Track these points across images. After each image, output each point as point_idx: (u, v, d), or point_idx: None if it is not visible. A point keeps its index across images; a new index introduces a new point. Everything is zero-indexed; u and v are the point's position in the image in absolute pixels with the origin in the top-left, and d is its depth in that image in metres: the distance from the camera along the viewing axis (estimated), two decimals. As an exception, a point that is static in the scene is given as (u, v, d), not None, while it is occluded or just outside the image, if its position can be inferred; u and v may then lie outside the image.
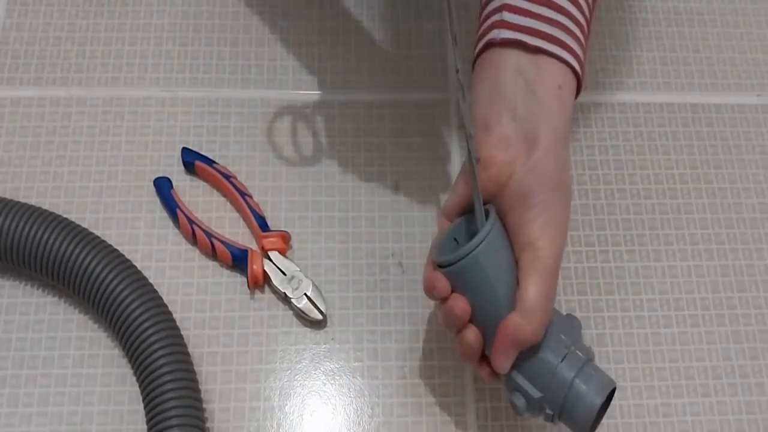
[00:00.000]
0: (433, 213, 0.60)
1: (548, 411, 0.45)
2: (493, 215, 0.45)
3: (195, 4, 0.66)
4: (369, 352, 0.56)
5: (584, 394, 0.44)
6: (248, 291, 0.57)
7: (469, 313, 0.45)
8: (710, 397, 0.56)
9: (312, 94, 0.63)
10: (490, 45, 0.48)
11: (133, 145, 0.61)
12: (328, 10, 0.66)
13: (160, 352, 0.50)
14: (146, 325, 0.51)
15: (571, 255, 0.59)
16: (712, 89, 0.66)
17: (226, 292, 0.57)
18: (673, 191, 0.62)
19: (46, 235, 0.52)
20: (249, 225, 0.58)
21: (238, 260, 0.56)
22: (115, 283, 0.51)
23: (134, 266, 0.54)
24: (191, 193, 0.60)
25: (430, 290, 0.46)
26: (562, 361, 0.45)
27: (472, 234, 0.46)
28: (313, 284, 0.56)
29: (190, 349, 0.53)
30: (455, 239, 0.48)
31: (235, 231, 0.58)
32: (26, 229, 0.52)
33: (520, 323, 0.44)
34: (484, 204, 0.46)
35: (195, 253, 0.58)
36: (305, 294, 0.56)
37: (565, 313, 0.49)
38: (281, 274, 0.56)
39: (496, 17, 0.49)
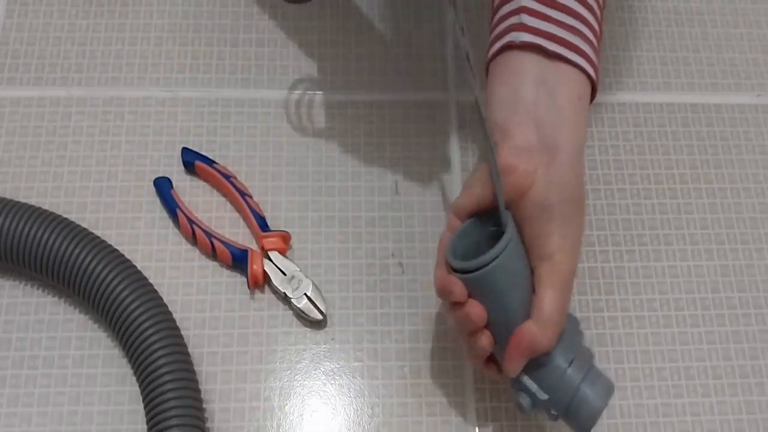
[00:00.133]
0: (433, 213, 0.60)
1: (553, 412, 0.46)
2: (511, 224, 0.45)
3: (195, 4, 0.66)
4: (369, 352, 0.56)
5: (590, 398, 0.45)
6: (248, 291, 0.57)
7: (486, 319, 0.45)
8: (710, 397, 0.56)
9: (312, 94, 0.63)
10: (509, 47, 0.48)
11: (133, 145, 0.61)
12: (328, 10, 0.66)
13: (160, 352, 0.50)
14: (146, 325, 0.51)
15: (571, 255, 0.59)
16: (712, 89, 0.66)
17: (226, 292, 0.57)
18: (673, 191, 0.62)
19: (46, 235, 0.52)
20: (249, 225, 0.58)
21: (238, 260, 0.56)
22: (115, 283, 0.51)
23: (134, 266, 0.54)
24: (191, 193, 0.60)
25: (445, 294, 0.46)
26: (569, 365, 0.46)
27: (485, 237, 0.47)
28: (313, 284, 0.56)
29: (190, 349, 0.53)
30: (466, 241, 0.47)
31: (235, 231, 0.58)
32: (26, 229, 0.52)
33: (536, 333, 0.44)
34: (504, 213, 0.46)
35: (195, 253, 0.58)
36: (305, 294, 0.56)
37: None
38: (281, 274, 0.56)
39: (514, 19, 0.48)
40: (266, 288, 0.57)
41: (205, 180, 0.60)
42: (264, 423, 0.53)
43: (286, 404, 0.54)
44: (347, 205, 0.60)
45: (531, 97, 0.46)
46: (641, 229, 0.61)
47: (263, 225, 0.57)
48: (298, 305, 0.55)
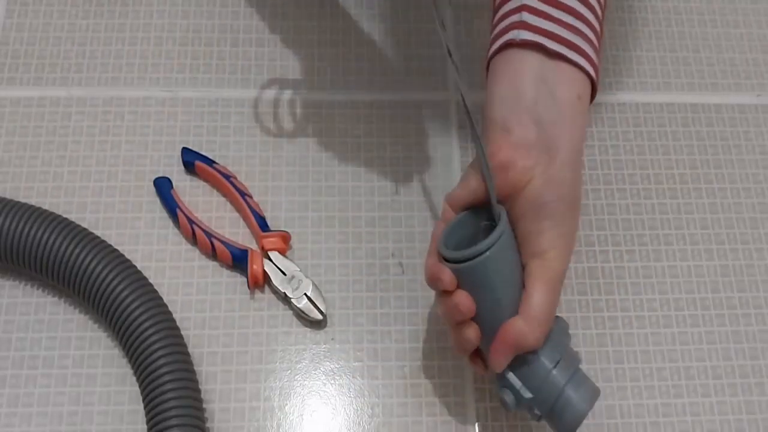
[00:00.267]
0: (433, 213, 0.60)
1: (536, 411, 0.46)
2: (504, 217, 0.45)
3: (195, 4, 0.66)
4: (369, 352, 0.56)
5: (574, 401, 0.45)
6: (248, 291, 0.57)
7: (474, 311, 0.45)
8: (710, 397, 0.56)
9: (312, 94, 0.63)
10: (509, 45, 0.48)
11: (133, 145, 0.61)
12: (328, 10, 0.66)
13: (160, 352, 0.50)
14: (146, 325, 0.51)
15: (571, 255, 0.59)
16: (712, 89, 0.66)
17: (226, 292, 0.57)
18: (673, 191, 0.62)
19: (46, 235, 0.52)
20: (249, 225, 0.58)
21: (238, 260, 0.56)
22: (115, 283, 0.51)
23: (134, 266, 0.54)
24: (191, 193, 0.60)
25: (433, 281, 0.46)
26: (555, 366, 0.46)
27: (478, 230, 0.47)
28: (313, 284, 0.56)
29: (190, 349, 0.53)
30: (459, 233, 0.47)
31: (235, 231, 0.58)
32: (26, 229, 0.52)
33: (524, 329, 0.44)
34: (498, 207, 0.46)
35: (195, 253, 0.58)
36: (305, 294, 0.56)
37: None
38: (281, 274, 0.56)
39: (515, 17, 0.48)
40: (266, 288, 0.57)
41: (205, 180, 0.60)
42: (264, 423, 0.53)
43: (286, 404, 0.54)
44: (347, 205, 0.60)
45: (531, 95, 0.46)
46: (641, 229, 0.61)
47: (263, 225, 0.57)
48: (298, 305, 0.55)
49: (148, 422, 0.49)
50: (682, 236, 0.61)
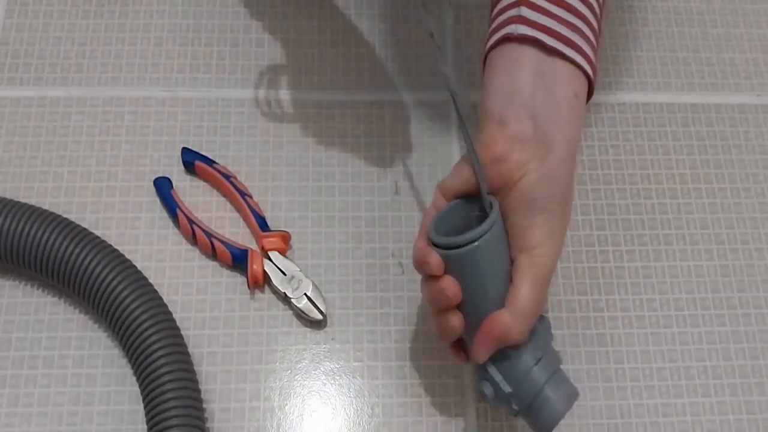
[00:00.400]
0: (433, 213, 0.60)
1: (514, 407, 0.46)
2: (496, 209, 0.45)
3: (195, 4, 0.66)
4: (369, 352, 0.56)
5: (552, 400, 0.45)
6: (248, 291, 0.57)
7: (460, 298, 0.45)
8: (710, 397, 0.56)
9: (312, 94, 0.63)
10: (507, 39, 0.48)
11: (133, 145, 0.61)
12: (327, 10, 0.66)
13: (160, 352, 0.50)
14: (146, 325, 0.51)
15: (571, 255, 0.59)
16: (712, 89, 0.66)
17: (226, 292, 0.57)
18: (673, 191, 0.62)
19: (46, 235, 0.52)
20: (249, 225, 0.58)
21: (238, 260, 0.56)
22: (115, 283, 0.51)
23: (134, 266, 0.54)
24: (191, 193, 0.60)
25: (421, 264, 0.46)
26: (536, 363, 0.46)
27: (468, 220, 0.47)
28: (313, 284, 0.56)
29: (190, 349, 0.53)
30: (450, 221, 0.48)
31: (235, 231, 0.58)
32: (26, 229, 0.52)
33: (508, 322, 0.45)
34: (489, 195, 0.46)
35: (195, 253, 0.58)
36: (305, 294, 0.56)
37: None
38: (281, 274, 0.56)
39: (513, 12, 0.48)
40: (266, 288, 0.57)
41: (205, 180, 0.60)
42: (264, 423, 0.53)
43: (286, 404, 0.54)
44: (347, 205, 0.60)
45: (528, 90, 0.46)
46: (641, 229, 0.61)
47: (263, 225, 0.57)
48: (298, 305, 0.55)
49: (148, 422, 0.49)
50: (682, 236, 0.61)
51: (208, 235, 0.57)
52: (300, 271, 0.56)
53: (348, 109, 0.63)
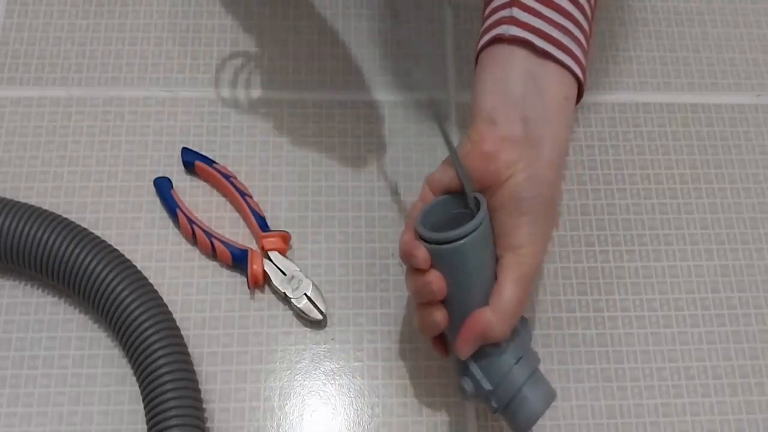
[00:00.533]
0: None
1: (494, 404, 0.47)
2: (484, 207, 0.46)
3: (195, 4, 0.66)
4: (369, 352, 0.56)
5: (530, 399, 0.46)
6: (248, 291, 0.57)
7: (445, 293, 0.46)
8: (710, 397, 0.56)
9: (312, 94, 0.63)
10: (498, 40, 0.48)
11: (133, 145, 0.61)
12: (327, 11, 0.66)
13: (160, 352, 0.50)
14: (146, 325, 0.51)
15: (571, 255, 0.59)
16: (712, 89, 0.66)
17: (226, 292, 0.57)
18: (673, 191, 0.62)
19: (46, 235, 0.52)
20: (249, 225, 0.58)
21: (238, 260, 0.56)
22: (115, 283, 0.51)
23: (134, 266, 0.54)
24: (191, 193, 0.60)
25: (407, 257, 0.47)
26: (517, 362, 0.46)
27: (455, 216, 0.47)
28: (313, 284, 0.56)
29: (190, 349, 0.53)
30: (436, 216, 0.48)
31: (235, 231, 0.58)
32: (26, 229, 0.52)
33: (492, 320, 0.45)
34: (476, 193, 0.47)
35: (195, 253, 0.58)
36: (305, 294, 0.56)
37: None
38: (281, 274, 0.56)
39: (505, 12, 0.48)
40: (266, 288, 0.57)
41: (205, 180, 0.60)
42: (264, 423, 0.53)
43: (286, 404, 0.54)
44: (347, 205, 0.60)
45: (519, 91, 0.47)
46: (641, 229, 0.61)
47: (263, 225, 0.57)
48: (298, 305, 0.55)
49: (148, 422, 0.49)
50: (682, 236, 0.61)
51: (208, 235, 0.57)
52: (300, 271, 0.56)
53: (348, 109, 0.63)
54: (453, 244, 0.45)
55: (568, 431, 0.54)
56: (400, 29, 0.46)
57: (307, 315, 0.55)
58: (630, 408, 0.55)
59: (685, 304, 0.59)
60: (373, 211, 0.60)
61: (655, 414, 0.55)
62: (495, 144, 0.46)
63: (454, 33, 0.66)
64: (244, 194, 0.58)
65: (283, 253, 0.57)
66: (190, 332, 0.55)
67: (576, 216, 0.61)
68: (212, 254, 0.57)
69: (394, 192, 0.61)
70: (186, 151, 0.60)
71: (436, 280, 0.45)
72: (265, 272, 0.56)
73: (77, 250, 0.52)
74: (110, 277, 0.52)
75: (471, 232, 0.44)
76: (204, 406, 0.52)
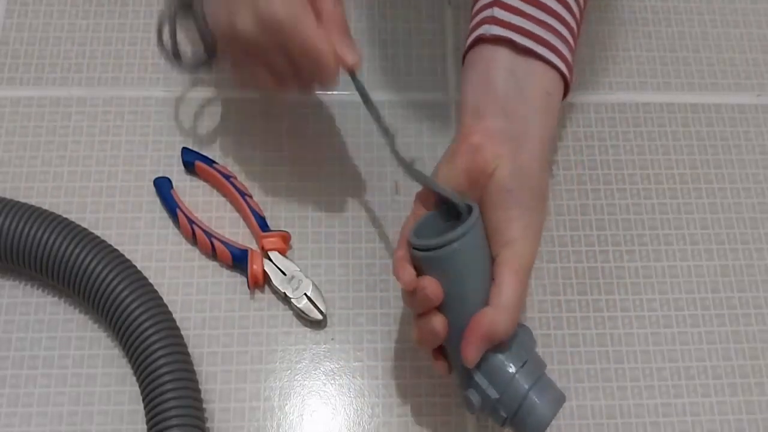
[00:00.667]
0: (433, 213, 0.60)
1: (502, 413, 0.45)
2: (476, 212, 0.46)
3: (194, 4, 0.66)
4: (369, 352, 0.56)
5: (538, 405, 0.45)
6: (248, 291, 0.57)
7: (441, 299, 0.45)
8: (710, 397, 0.56)
9: (312, 94, 0.63)
10: (480, 40, 0.49)
11: (133, 145, 0.61)
12: (328, 10, 0.66)
13: (160, 352, 0.50)
14: (146, 325, 0.51)
15: (571, 255, 0.59)
16: (712, 89, 0.66)
17: (226, 292, 0.57)
18: (673, 191, 0.62)
19: (46, 235, 0.52)
20: (249, 225, 0.58)
21: (238, 260, 0.56)
22: (115, 283, 0.51)
23: (134, 266, 0.54)
24: (191, 193, 0.60)
25: (395, 275, 0.46)
26: (522, 366, 0.45)
27: (448, 228, 0.46)
28: (313, 284, 0.56)
29: (190, 349, 0.53)
30: (430, 230, 0.48)
31: (235, 231, 0.58)
32: (26, 229, 0.52)
33: (495, 318, 0.44)
34: (470, 200, 0.47)
35: (195, 253, 0.58)
36: (305, 294, 0.56)
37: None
38: (281, 274, 0.56)
39: (487, 12, 0.49)
40: (266, 288, 0.57)
41: (205, 180, 0.60)
42: (264, 423, 0.53)
43: (286, 404, 0.54)
44: (347, 205, 0.60)
45: (501, 88, 0.48)
46: (641, 229, 0.61)
47: (263, 225, 0.57)
48: (298, 305, 0.55)
49: (148, 422, 0.49)
50: (682, 236, 0.61)
51: (208, 235, 0.57)
52: (300, 271, 0.56)
53: (348, 109, 0.63)
54: (445, 249, 0.44)
55: (568, 431, 0.54)
56: (394, 143, 0.48)
57: (307, 315, 0.55)
58: (630, 408, 0.55)
59: (685, 304, 0.59)
60: (373, 211, 0.60)
61: (655, 414, 0.55)
62: (481, 136, 0.47)
63: (454, 33, 0.66)
64: (244, 194, 0.58)
65: (283, 253, 0.57)
66: (190, 332, 0.55)
67: (576, 216, 0.61)
68: (212, 254, 0.57)
69: (394, 192, 0.61)
70: (186, 151, 0.60)
71: (430, 284, 0.45)
72: (265, 272, 0.56)
73: (77, 250, 0.52)
74: (110, 277, 0.52)
75: (463, 235, 0.44)
76: (204, 406, 0.52)
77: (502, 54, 0.48)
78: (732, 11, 0.69)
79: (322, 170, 0.61)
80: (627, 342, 0.57)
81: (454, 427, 0.54)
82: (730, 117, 0.65)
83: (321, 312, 0.55)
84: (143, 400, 0.50)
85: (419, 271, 0.46)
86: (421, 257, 0.45)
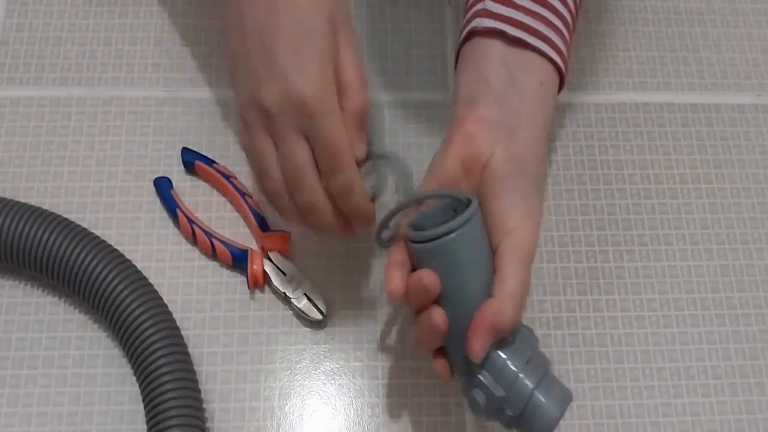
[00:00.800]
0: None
1: (509, 412, 0.44)
2: (475, 203, 0.45)
3: (195, 4, 0.66)
4: (369, 352, 0.56)
5: (545, 403, 0.44)
6: (248, 291, 0.57)
7: (439, 289, 0.44)
8: (710, 397, 0.56)
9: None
10: (473, 34, 0.49)
11: (133, 145, 0.61)
12: (328, 10, 0.66)
13: (160, 352, 0.50)
14: (146, 325, 0.51)
15: (571, 255, 0.59)
16: (712, 89, 0.66)
17: (226, 292, 0.57)
18: (673, 191, 0.62)
19: (46, 235, 0.52)
20: (249, 225, 0.58)
21: (238, 260, 0.56)
22: (115, 283, 0.51)
23: (134, 266, 0.54)
24: (191, 193, 0.60)
25: (385, 281, 0.45)
26: (527, 363, 0.44)
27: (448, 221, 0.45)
28: (313, 284, 0.56)
29: (190, 349, 0.53)
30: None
31: (235, 231, 0.58)
32: (26, 229, 0.52)
33: (500, 308, 0.43)
34: (468, 194, 0.46)
35: (195, 253, 0.58)
36: (305, 294, 0.56)
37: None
38: (281, 274, 0.56)
39: (479, 6, 0.50)
40: (266, 288, 0.57)
41: (205, 180, 0.60)
42: (264, 423, 0.53)
43: (286, 404, 0.54)
44: (347, 205, 0.60)
45: (494, 79, 0.48)
46: (641, 229, 0.61)
47: (263, 225, 0.57)
48: (298, 305, 0.55)
49: (148, 422, 0.49)
50: (682, 236, 0.61)
51: (208, 235, 0.57)
52: (300, 271, 0.56)
53: (348, 109, 0.63)
54: (443, 239, 0.43)
55: (568, 431, 0.54)
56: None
57: (307, 315, 0.55)
58: (630, 408, 0.55)
59: (685, 304, 0.59)
60: (373, 211, 0.60)
61: (655, 414, 0.55)
62: (475, 124, 0.47)
63: (454, 33, 0.66)
64: (244, 194, 0.58)
65: (283, 253, 0.57)
66: (190, 332, 0.55)
67: (576, 216, 0.61)
68: (212, 254, 0.57)
69: (394, 192, 0.60)
70: (186, 151, 0.60)
71: (426, 275, 0.44)
72: (265, 272, 0.56)
73: (77, 250, 0.52)
74: (110, 277, 0.52)
75: (461, 225, 0.43)
76: (204, 406, 0.52)
77: (495, 46, 0.48)
78: (732, 11, 0.69)
79: (322, 170, 0.61)
80: (627, 342, 0.57)
81: (454, 427, 0.54)
82: (730, 117, 0.65)
83: (321, 312, 0.55)
84: (143, 400, 0.50)
85: (419, 266, 0.45)
86: (419, 249, 0.45)
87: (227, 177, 0.59)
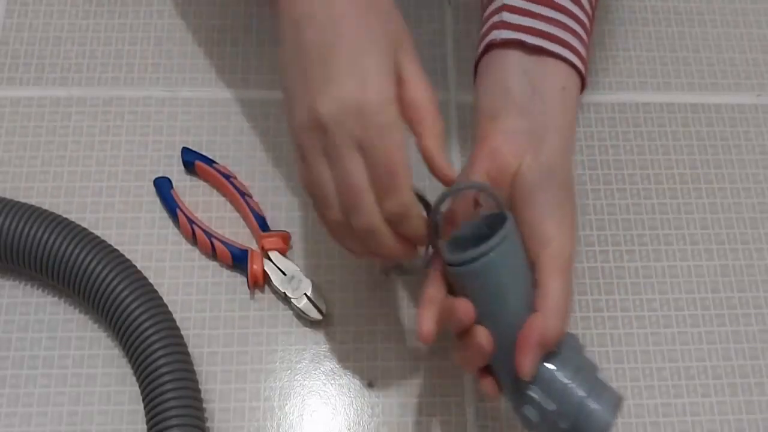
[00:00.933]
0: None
1: (561, 425, 0.43)
2: (511, 220, 0.44)
3: (195, 4, 0.66)
4: (369, 352, 0.56)
5: (598, 409, 0.43)
6: (248, 291, 0.57)
7: (473, 317, 0.43)
8: (710, 397, 0.56)
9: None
10: (491, 46, 0.49)
11: (133, 145, 0.61)
12: (328, 10, 0.66)
13: (160, 352, 0.50)
14: (146, 325, 0.51)
15: (571, 255, 0.59)
16: (712, 89, 0.66)
17: (226, 292, 0.57)
18: (673, 191, 0.62)
19: (46, 235, 0.52)
20: (249, 225, 0.58)
21: (238, 260, 0.56)
22: (115, 283, 0.51)
23: (134, 266, 0.54)
24: (191, 193, 0.60)
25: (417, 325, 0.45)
26: (576, 372, 0.44)
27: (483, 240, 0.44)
28: (313, 284, 0.56)
29: (190, 349, 0.53)
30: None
31: (235, 231, 0.58)
32: (26, 229, 0.52)
33: (546, 323, 0.43)
34: (502, 210, 0.45)
35: (195, 253, 0.58)
36: (305, 294, 0.56)
37: None
38: (281, 274, 0.56)
39: (495, 18, 0.49)
40: (266, 288, 0.57)
41: (205, 180, 0.60)
42: (264, 423, 0.53)
43: (286, 404, 0.54)
44: (347, 205, 0.60)
45: (516, 90, 0.47)
46: (641, 229, 0.61)
47: (263, 225, 0.57)
48: (298, 305, 0.55)
49: (148, 422, 0.49)
50: (682, 236, 0.61)
51: (208, 235, 0.57)
52: (300, 271, 0.56)
53: (348, 109, 0.63)
54: (482, 260, 0.42)
55: None
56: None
57: (307, 315, 0.55)
58: (630, 408, 0.55)
59: (685, 304, 0.59)
60: (373, 211, 0.60)
61: (655, 414, 0.55)
62: (498, 138, 0.46)
63: (454, 33, 0.66)
64: (244, 194, 0.58)
65: (283, 253, 0.57)
66: (190, 332, 0.55)
67: (576, 216, 0.61)
68: (212, 254, 0.57)
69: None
70: (186, 151, 0.60)
71: (459, 305, 0.43)
72: (265, 272, 0.56)
73: (77, 250, 0.52)
74: (110, 277, 0.52)
75: (499, 244, 0.42)
76: (204, 406, 0.52)
77: (513, 56, 0.48)
78: (732, 11, 0.69)
79: (322, 170, 0.61)
80: (627, 342, 0.57)
81: (454, 427, 0.54)
82: (730, 117, 0.65)
83: (321, 312, 0.55)
84: (143, 400, 0.50)
85: (458, 288, 0.45)
86: (458, 272, 0.44)
87: (227, 177, 0.59)
